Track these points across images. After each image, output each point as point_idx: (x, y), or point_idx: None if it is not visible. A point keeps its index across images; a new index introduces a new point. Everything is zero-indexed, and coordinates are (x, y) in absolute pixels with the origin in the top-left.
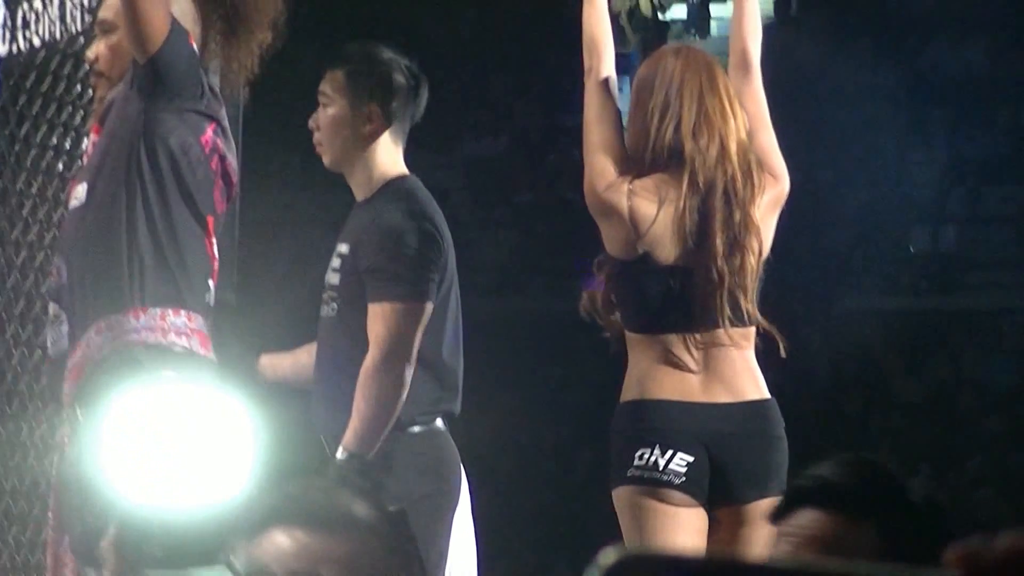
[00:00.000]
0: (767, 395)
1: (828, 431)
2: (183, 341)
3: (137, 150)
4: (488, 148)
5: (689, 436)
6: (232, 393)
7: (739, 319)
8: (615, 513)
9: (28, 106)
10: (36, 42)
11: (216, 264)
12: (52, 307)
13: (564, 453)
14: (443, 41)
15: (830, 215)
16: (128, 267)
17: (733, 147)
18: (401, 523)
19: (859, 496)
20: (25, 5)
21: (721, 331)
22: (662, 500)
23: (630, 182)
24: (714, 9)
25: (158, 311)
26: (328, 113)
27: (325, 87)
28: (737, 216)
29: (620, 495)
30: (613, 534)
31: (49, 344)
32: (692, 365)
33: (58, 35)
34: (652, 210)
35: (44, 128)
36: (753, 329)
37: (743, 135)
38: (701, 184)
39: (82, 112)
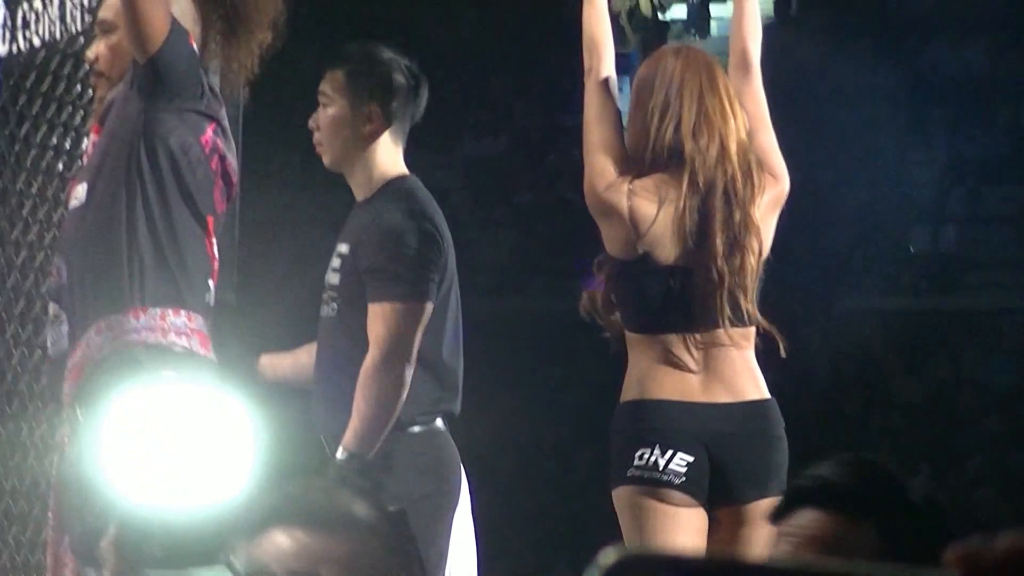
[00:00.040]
0: (767, 395)
1: (828, 431)
2: (183, 341)
3: (137, 150)
4: (488, 148)
5: (689, 436)
6: (232, 393)
7: (739, 319)
8: (615, 513)
9: (28, 106)
10: (36, 42)
11: (216, 264)
12: (52, 307)
13: (564, 453)
14: (443, 41)
15: (830, 215)
16: (128, 267)
17: (733, 147)
18: (401, 523)
19: (859, 496)
20: (25, 5)
21: (721, 331)
22: (662, 500)
23: (630, 182)
24: (714, 9)
25: (158, 311)
26: (328, 113)
27: (325, 87)
28: (737, 216)
29: (620, 495)
30: (613, 534)
31: (49, 344)
32: (692, 365)
33: (58, 35)
34: (652, 210)
35: (44, 128)
36: (753, 329)
37: (743, 135)
38: (701, 184)
39: (82, 112)
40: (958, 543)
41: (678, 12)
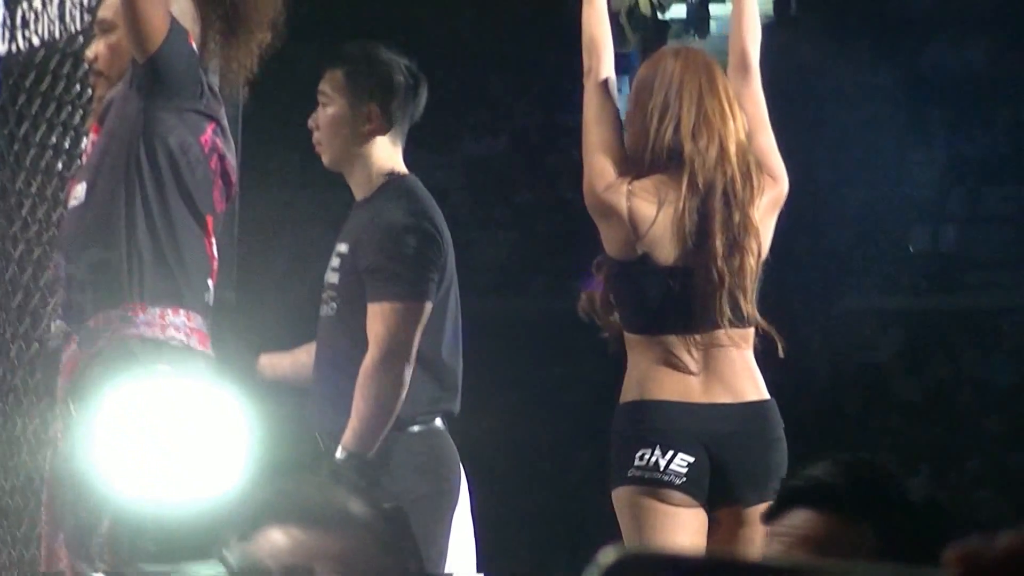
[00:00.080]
0: (767, 396)
1: (828, 431)
2: (180, 335)
3: (136, 149)
4: (488, 148)
5: (689, 436)
6: (227, 388)
7: (739, 320)
8: (614, 513)
9: (27, 105)
10: (35, 41)
11: (215, 264)
12: (57, 325)
13: (563, 453)
14: (443, 41)
15: (830, 215)
16: (127, 266)
17: (732, 148)
18: (398, 521)
19: (852, 496)
20: (24, 4)
21: (721, 332)
22: (662, 500)
23: (629, 183)
24: (713, 8)
25: (157, 310)
26: (327, 112)
27: (324, 86)
28: (736, 217)
29: (620, 495)
30: (612, 534)
31: (51, 342)
32: (692, 366)
33: (57, 34)
34: (651, 211)
35: (43, 127)
36: (752, 330)
37: (742, 136)
38: (700, 185)
39: (81, 111)
40: (957, 543)
41: (677, 11)
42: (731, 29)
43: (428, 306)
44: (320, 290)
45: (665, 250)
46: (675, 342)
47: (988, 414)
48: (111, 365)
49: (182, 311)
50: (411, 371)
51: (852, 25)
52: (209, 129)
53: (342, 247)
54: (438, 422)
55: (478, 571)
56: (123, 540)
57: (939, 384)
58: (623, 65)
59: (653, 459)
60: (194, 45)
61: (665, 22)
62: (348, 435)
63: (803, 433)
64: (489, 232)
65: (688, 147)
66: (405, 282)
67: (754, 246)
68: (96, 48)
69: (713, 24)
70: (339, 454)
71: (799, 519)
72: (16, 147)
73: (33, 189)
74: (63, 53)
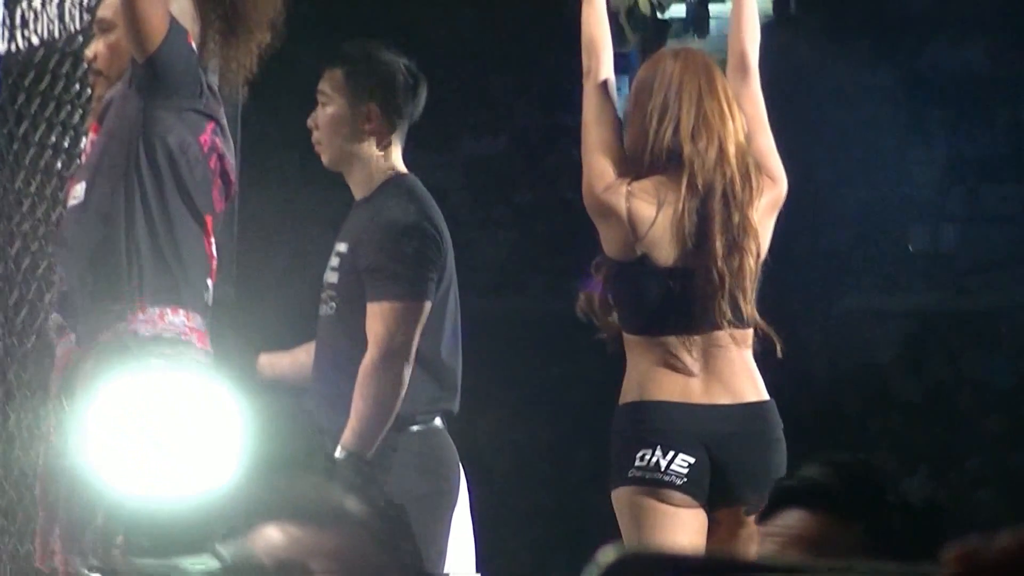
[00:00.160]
0: (766, 397)
1: (828, 431)
2: (177, 332)
3: (136, 149)
4: (488, 148)
5: (690, 437)
6: (221, 381)
7: (738, 320)
8: (614, 513)
9: (27, 105)
10: (35, 40)
11: (215, 263)
12: (55, 318)
13: (562, 452)
14: (443, 41)
15: (830, 215)
16: (127, 265)
17: (732, 150)
18: (396, 520)
19: (845, 496)
20: (24, 3)
21: (720, 333)
22: (663, 500)
23: (629, 184)
24: (713, 8)
25: (156, 310)
26: (327, 112)
27: (324, 86)
28: (736, 218)
29: (620, 496)
30: (612, 534)
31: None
32: (692, 367)
33: (57, 34)
34: (651, 212)
35: (43, 127)
36: (751, 330)
37: (741, 138)
38: (700, 187)
39: (81, 111)
40: (956, 542)
41: (677, 11)
42: (730, 30)
43: (427, 306)
44: (319, 289)
45: (664, 251)
46: (675, 343)
47: (988, 414)
48: (105, 360)
49: (181, 311)
50: (410, 371)
51: (852, 25)
52: (208, 129)
53: (341, 247)
54: (437, 422)
55: (477, 571)
56: (117, 535)
57: (939, 384)
58: (623, 65)
59: (654, 459)
60: (193, 45)
61: (665, 21)
62: (347, 434)
63: (803, 433)
64: (489, 232)
65: (687, 148)
66: (404, 282)
67: (753, 247)
68: (95, 47)
69: (713, 24)
70: (339, 453)
71: (792, 519)
72: (15, 146)
73: (33, 188)
74: (62, 52)
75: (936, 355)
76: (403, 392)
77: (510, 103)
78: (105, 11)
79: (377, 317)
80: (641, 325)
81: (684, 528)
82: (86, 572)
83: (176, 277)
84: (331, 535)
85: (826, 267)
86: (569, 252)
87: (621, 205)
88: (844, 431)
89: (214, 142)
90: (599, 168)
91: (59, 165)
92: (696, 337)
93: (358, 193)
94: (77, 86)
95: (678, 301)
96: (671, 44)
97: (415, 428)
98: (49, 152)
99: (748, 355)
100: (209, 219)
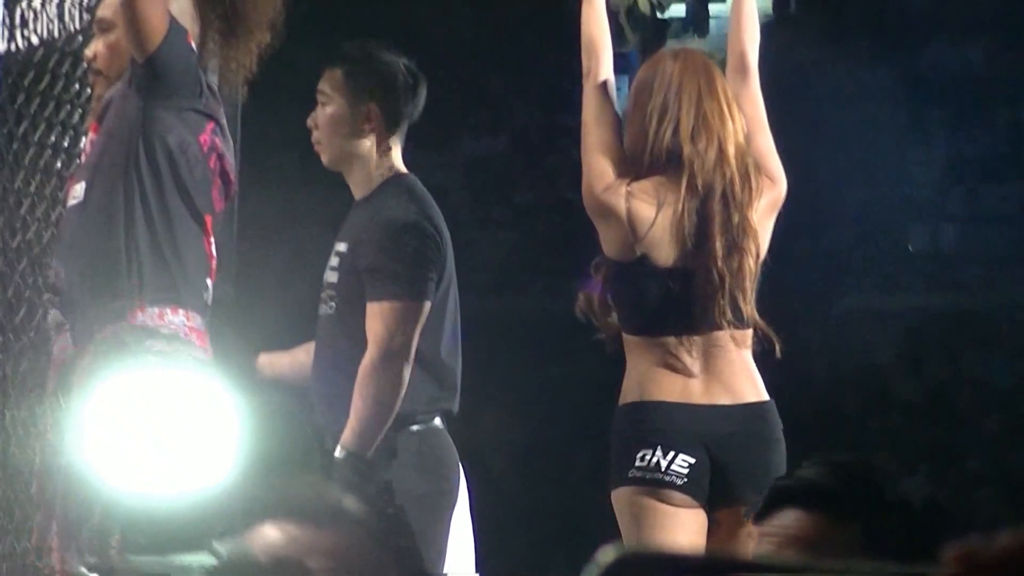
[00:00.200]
0: (766, 397)
1: (827, 431)
2: (176, 329)
3: (135, 148)
4: (488, 148)
5: (690, 437)
6: (217, 377)
7: (738, 321)
8: (613, 513)
9: (27, 104)
10: (35, 40)
11: (214, 263)
12: (53, 314)
13: (562, 452)
14: (443, 41)
15: (830, 215)
16: (126, 265)
17: (731, 150)
18: (395, 519)
19: (842, 496)
20: (24, 3)
21: (720, 333)
22: (663, 500)
23: (628, 184)
24: (713, 8)
25: (156, 310)
26: (326, 112)
27: (324, 86)
28: (735, 219)
29: (620, 496)
30: (611, 534)
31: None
32: (691, 367)
33: (56, 33)
34: (650, 212)
35: (43, 126)
36: (751, 331)
37: (741, 138)
38: (699, 187)
39: (80, 110)
40: (956, 542)
41: (677, 11)
42: (730, 30)
43: (427, 305)
44: (319, 289)
45: (664, 251)
46: (674, 343)
47: (988, 414)
48: (102, 357)
49: (181, 310)
50: (410, 370)
51: (852, 25)
52: (208, 128)
53: (341, 246)
54: (437, 421)
55: (477, 570)
56: (114, 533)
57: (939, 384)
58: (623, 65)
59: (654, 460)
60: (193, 44)
61: (664, 21)
62: (347, 434)
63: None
64: (489, 232)
65: (687, 149)
66: (404, 281)
67: (753, 247)
68: (95, 47)
69: (712, 24)
70: (338, 453)
71: (789, 519)
72: (15, 146)
73: (32, 188)
74: (62, 52)
75: (936, 355)
76: (403, 392)
77: (510, 103)
78: (105, 11)
79: (377, 317)
80: (641, 325)
81: (684, 528)
82: (83, 569)
83: (175, 277)
84: (329, 534)
85: (826, 267)
86: (569, 252)
87: (621, 205)
88: (844, 431)
89: (214, 142)
90: (599, 168)
91: (59, 165)
92: (696, 337)
93: (358, 193)
94: (77, 86)
95: (678, 301)
96: (671, 44)
97: (415, 428)
98: (49, 152)
99: (748, 355)
100: (209, 219)
